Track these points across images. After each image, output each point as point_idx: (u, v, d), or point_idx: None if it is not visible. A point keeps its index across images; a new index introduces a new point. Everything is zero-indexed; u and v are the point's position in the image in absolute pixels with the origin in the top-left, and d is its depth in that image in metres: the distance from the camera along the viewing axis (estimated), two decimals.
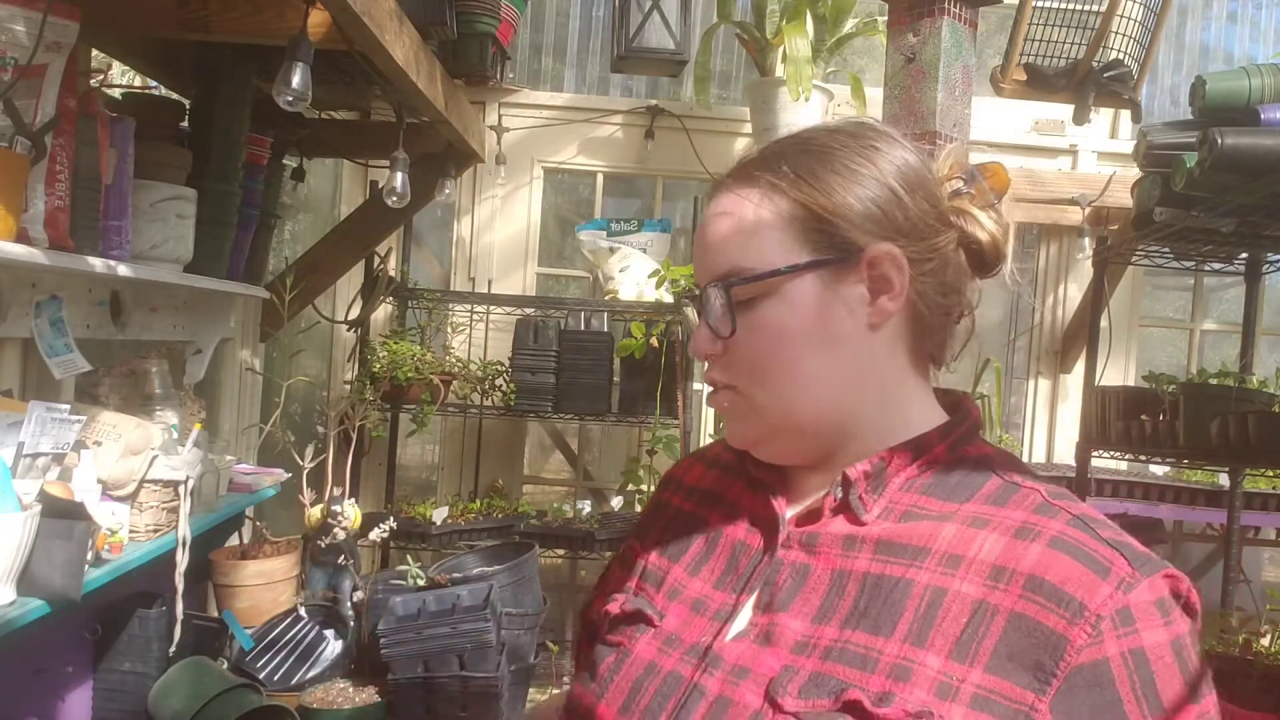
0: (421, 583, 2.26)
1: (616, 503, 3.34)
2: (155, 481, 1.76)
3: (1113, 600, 0.65)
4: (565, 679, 3.20)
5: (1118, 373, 3.36)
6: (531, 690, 2.76)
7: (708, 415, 3.35)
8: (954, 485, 0.76)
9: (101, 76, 1.92)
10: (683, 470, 0.97)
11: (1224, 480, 2.79)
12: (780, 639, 0.72)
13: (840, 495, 0.77)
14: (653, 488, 2.87)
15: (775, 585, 0.76)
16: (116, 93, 2.18)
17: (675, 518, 0.91)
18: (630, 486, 2.96)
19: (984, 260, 0.80)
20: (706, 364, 0.82)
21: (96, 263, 1.66)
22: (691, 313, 0.81)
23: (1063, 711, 0.64)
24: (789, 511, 0.80)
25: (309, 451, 2.27)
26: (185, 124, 2.15)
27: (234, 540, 2.45)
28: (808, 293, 0.76)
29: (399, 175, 2.29)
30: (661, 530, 0.91)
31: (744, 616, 0.76)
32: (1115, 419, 2.42)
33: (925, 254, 0.77)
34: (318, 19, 1.80)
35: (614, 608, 0.84)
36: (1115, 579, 0.66)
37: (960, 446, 0.79)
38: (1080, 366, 3.12)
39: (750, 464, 0.85)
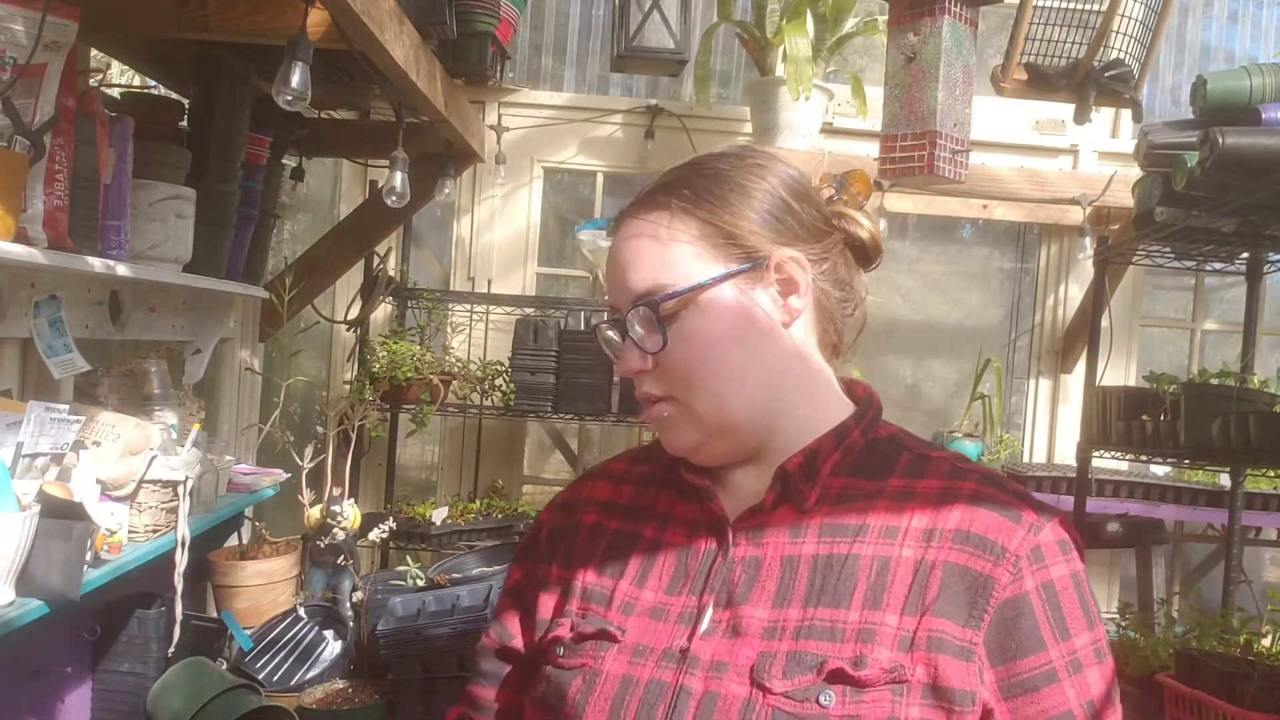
0: (421, 583, 2.26)
1: None
2: (154, 482, 1.75)
3: (1027, 542, 0.78)
4: None
5: (1119, 373, 3.36)
6: None
7: None
8: (875, 464, 0.85)
9: (100, 76, 1.92)
10: (587, 491, 0.98)
11: (1225, 481, 2.79)
12: (748, 629, 0.78)
13: (780, 488, 0.83)
14: None
15: (731, 582, 0.81)
16: (115, 92, 2.18)
17: (598, 536, 0.92)
18: None
19: (866, 255, 0.91)
20: (637, 381, 0.87)
21: (95, 262, 1.66)
22: (612, 336, 0.89)
23: (995, 643, 0.76)
24: (730, 511, 0.85)
25: (308, 452, 2.26)
26: (184, 123, 2.15)
27: (233, 540, 2.44)
28: (726, 301, 0.83)
29: (398, 175, 2.29)
30: (584, 551, 0.92)
31: (707, 616, 0.81)
32: (1116, 419, 2.42)
33: (821, 254, 0.86)
34: (317, 18, 1.79)
35: (563, 633, 0.85)
36: (1026, 524, 0.78)
37: (871, 430, 0.88)
38: (1081, 366, 3.12)
39: (685, 472, 0.88)
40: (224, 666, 2.04)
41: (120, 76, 2.70)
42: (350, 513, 2.23)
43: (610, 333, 0.88)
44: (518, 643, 0.95)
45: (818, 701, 0.73)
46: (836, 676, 0.73)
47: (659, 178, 0.90)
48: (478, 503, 3.00)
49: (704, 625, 0.80)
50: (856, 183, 0.91)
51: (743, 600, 0.80)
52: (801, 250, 0.84)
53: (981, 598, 0.75)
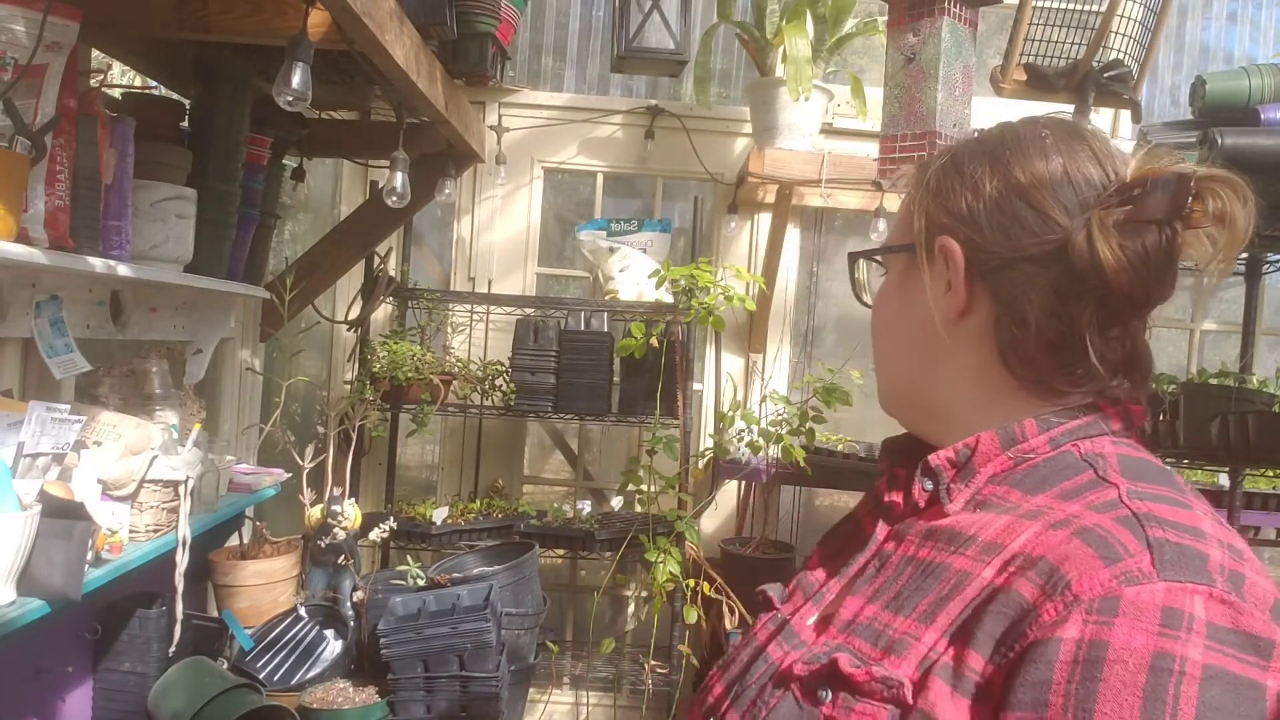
0: (421, 583, 2.27)
1: (616, 503, 3.34)
2: (155, 481, 1.76)
3: (1102, 588, 0.58)
4: (565, 679, 3.20)
5: None
6: (531, 690, 2.76)
7: (707, 415, 3.35)
8: (1041, 479, 0.70)
9: (101, 76, 1.92)
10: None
11: (1224, 480, 2.80)
12: (838, 618, 0.75)
13: (930, 486, 0.76)
14: (653, 488, 2.87)
15: (859, 569, 0.78)
16: (116, 93, 2.18)
17: (846, 517, 0.92)
18: (630, 487, 2.96)
19: (1080, 280, 0.70)
20: None
21: (96, 263, 1.66)
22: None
23: (1010, 686, 0.60)
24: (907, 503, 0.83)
25: (309, 451, 2.27)
26: (185, 124, 2.15)
27: (234, 540, 2.45)
28: (897, 276, 0.84)
29: (399, 175, 2.29)
30: (833, 530, 0.93)
31: (827, 600, 0.80)
32: None
33: (1003, 257, 0.73)
34: (317, 19, 1.80)
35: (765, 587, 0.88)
36: (1121, 570, 0.58)
37: (1067, 441, 0.72)
38: None
39: (902, 452, 0.85)
40: (225, 666, 2.05)
41: (121, 77, 2.70)
42: (351, 512, 2.23)
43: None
44: None
45: (815, 695, 0.68)
46: (831, 666, 0.68)
47: None
48: (478, 503, 3.00)
49: (821, 605, 0.80)
50: (1211, 193, 0.68)
51: (851, 589, 0.76)
52: (971, 245, 0.74)
53: (1016, 631, 0.60)
